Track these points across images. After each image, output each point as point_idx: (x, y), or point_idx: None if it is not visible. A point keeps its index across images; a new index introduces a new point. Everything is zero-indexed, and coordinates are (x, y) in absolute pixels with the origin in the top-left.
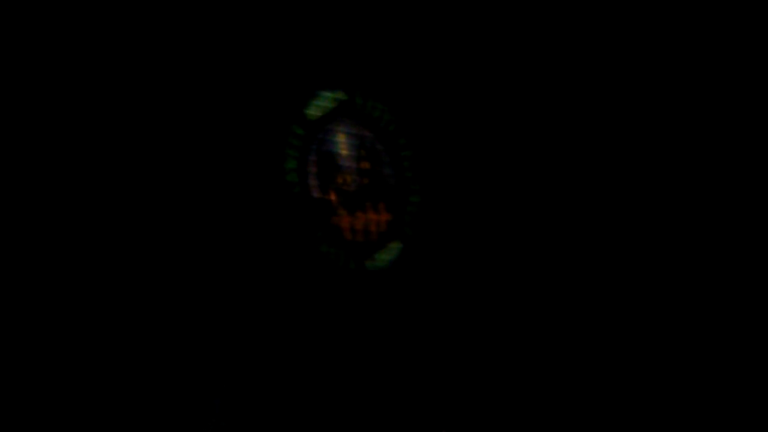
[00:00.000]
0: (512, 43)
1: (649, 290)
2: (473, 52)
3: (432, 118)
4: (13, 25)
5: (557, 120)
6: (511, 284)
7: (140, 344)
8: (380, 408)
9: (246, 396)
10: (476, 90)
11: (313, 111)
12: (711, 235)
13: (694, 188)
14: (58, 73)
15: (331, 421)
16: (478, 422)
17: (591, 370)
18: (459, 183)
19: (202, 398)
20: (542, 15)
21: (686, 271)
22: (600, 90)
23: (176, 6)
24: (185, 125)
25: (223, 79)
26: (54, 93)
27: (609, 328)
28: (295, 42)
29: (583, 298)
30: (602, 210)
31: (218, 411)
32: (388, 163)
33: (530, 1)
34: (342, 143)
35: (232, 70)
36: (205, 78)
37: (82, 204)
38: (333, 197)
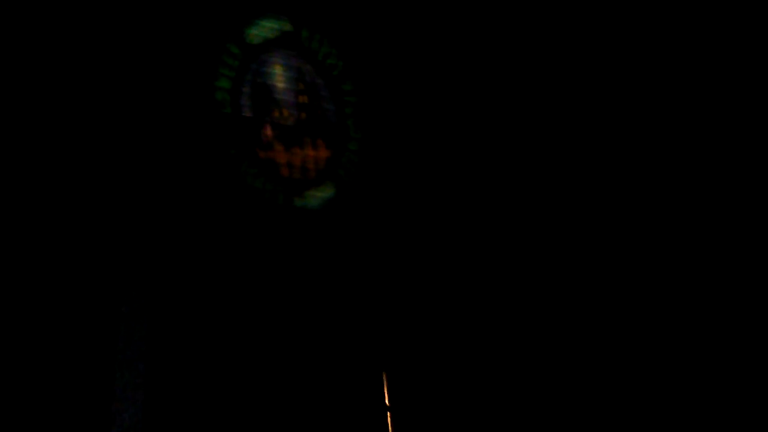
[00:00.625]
0: None
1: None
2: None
3: (380, 64)
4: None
5: (509, 73)
6: (441, 243)
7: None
8: (301, 357)
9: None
10: (426, 41)
11: (253, 37)
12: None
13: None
14: None
15: (250, 371)
16: (418, 373)
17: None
18: (401, 133)
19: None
20: None
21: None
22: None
23: None
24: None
25: None
26: None
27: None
28: None
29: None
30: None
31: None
32: (328, 98)
33: None
34: (278, 75)
35: None
36: None
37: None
38: (269, 131)
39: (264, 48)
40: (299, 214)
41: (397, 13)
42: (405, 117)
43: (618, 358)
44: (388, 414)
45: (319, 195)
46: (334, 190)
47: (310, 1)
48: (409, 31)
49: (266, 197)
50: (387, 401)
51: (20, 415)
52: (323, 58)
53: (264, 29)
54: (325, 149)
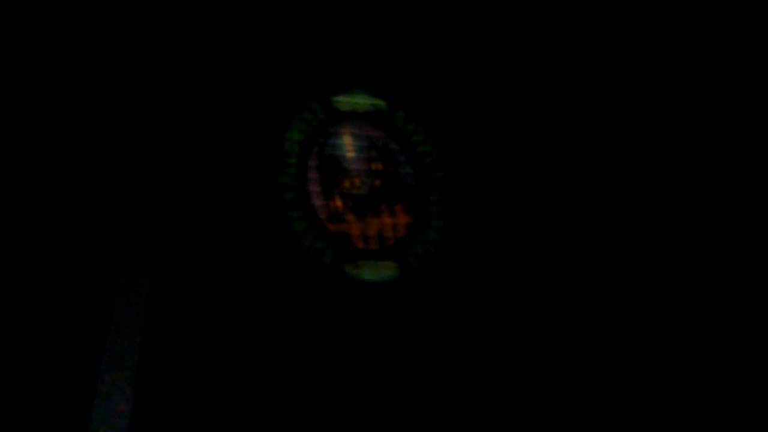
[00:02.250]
0: (535, 37)
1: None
2: (482, 41)
3: (457, 122)
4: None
5: (581, 113)
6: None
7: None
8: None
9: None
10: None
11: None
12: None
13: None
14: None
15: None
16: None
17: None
18: (485, 194)
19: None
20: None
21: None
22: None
23: (181, 5)
24: (181, 127)
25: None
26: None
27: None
28: (303, 44)
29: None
30: (631, 213)
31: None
32: (405, 162)
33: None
34: (348, 145)
35: (233, 74)
36: (202, 78)
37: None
38: (338, 203)
39: (328, 123)
40: (376, 287)
41: (473, 73)
42: (488, 177)
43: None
44: None
45: (399, 266)
46: (418, 259)
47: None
48: (486, 86)
49: (338, 272)
50: None
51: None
52: (395, 121)
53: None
54: (405, 215)
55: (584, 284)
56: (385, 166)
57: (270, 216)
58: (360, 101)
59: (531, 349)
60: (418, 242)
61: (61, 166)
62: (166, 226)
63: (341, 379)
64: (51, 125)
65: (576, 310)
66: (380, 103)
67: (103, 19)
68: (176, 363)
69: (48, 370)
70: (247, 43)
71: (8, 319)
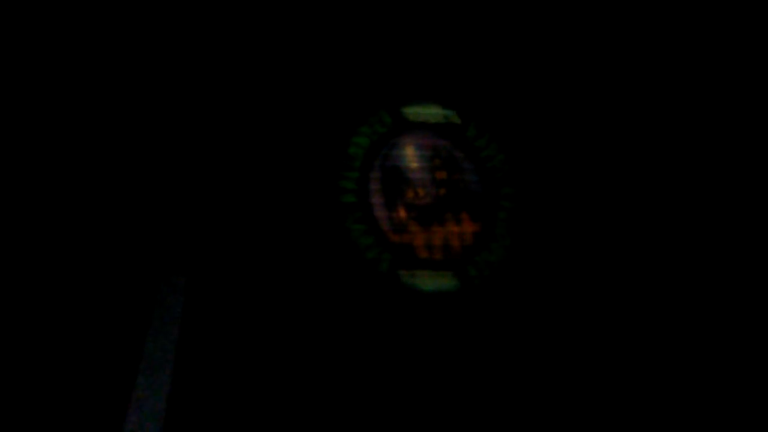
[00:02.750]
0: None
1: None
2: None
3: (525, 126)
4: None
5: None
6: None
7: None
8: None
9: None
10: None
11: (362, 140)
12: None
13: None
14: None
15: None
16: None
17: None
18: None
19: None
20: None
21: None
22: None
23: (247, 12)
24: (240, 137)
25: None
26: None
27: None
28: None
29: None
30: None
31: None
32: (471, 170)
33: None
34: (410, 156)
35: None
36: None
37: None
38: (402, 213)
39: (390, 134)
40: (434, 298)
41: (540, 73)
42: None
43: None
44: None
45: (466, 275)
46: (480, 270)
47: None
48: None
49: (402, 283)
50: None
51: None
52: (458, 129)
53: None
54: (471, 223)
55: (658, 314)
56: (450, 175)
57: (324, 222)
58: (431, 112)
59: (589, 373)
60: (486, 250)
61: (97, 169)
62: (208, 230)
63: (383, 388)
64: (94, 129)
65: (648, 342)
66: (452, 115)
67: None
68: (213, 371)
69: (84, 374)
70: (324, 46)
71: (46, 322)
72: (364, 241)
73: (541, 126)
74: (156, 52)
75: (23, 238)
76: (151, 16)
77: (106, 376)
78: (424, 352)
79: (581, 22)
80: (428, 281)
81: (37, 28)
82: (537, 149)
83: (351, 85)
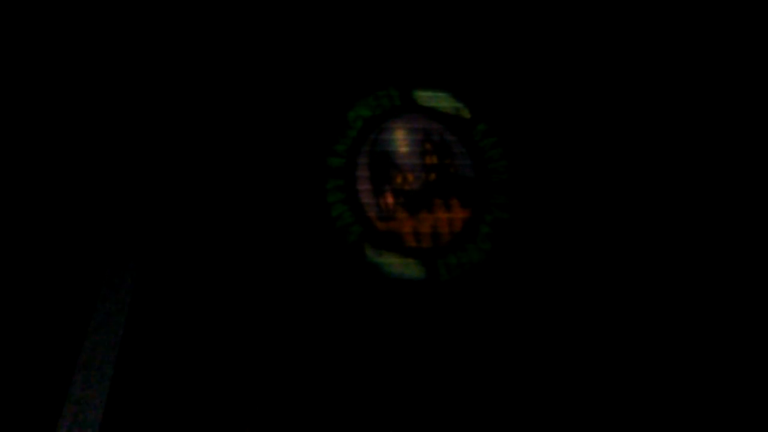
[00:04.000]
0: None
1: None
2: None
3: (523, 110)
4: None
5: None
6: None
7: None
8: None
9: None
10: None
11: (364, 111)
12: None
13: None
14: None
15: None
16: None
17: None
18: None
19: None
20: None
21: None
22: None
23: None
24: (224, 125)
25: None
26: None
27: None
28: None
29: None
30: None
31: None
32: (464, 154)
33: None
34: (401, 140)
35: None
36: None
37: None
38: (389, 199)
39: (380, 118)
40: (429, 286)
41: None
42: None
43: None
44: None
45: (456, 262)
46: (477, 253)
47: (416, 62)
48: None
49: (388, 271)
50: None
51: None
52: (450, 111)
53: (373, 102)
54: (461, 209)
55: (648, 315)
56: (441, 159)
57: (299, 205)
58: (442, 101)
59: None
60: (462, 250)
61: (47, 154)
62: (160, 217)
63: (335, 371)
64: (37, 114)
65: (634, 341)
66: (462, 108)
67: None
68: (161, 361)
69: (24, 362)
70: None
71: None
72: (337, 209)
73: (543, 121)
74: (117, 21)
75: None
76: None
77: (42, 373)
78: (382, 337)
79: (590, 26)
80: (395, 265)
81: (17, 23)
82: (538, 145)
83: (361, 60)
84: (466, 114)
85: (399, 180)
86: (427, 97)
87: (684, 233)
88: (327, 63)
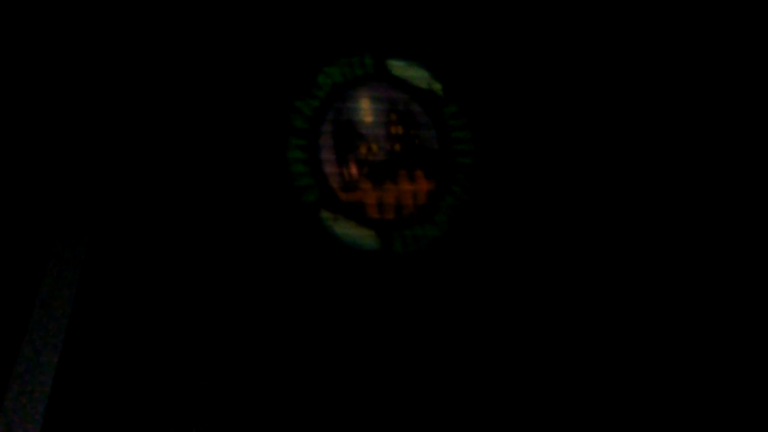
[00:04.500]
0: None
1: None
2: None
3: (488, 80)
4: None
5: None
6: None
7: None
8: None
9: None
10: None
11: (328, 78)
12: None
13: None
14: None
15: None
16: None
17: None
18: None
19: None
20: None
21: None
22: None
23: None
24: (179, 95)
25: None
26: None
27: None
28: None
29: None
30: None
31: None
32: (429, 124)
33: None
34: (365, 109)
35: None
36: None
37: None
38: (353, 169)
39: (344, 86)
40: (396, 259)
41: (502, 27)
42: (521, 135)
43: None
44: None
45: (421, 234)
46: (442, 226)
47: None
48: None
49: (351, 243)
50: None
51: None
52: (415, 81)
53: (337, 70)
54: (426, 180)
55: (609, 291)
56: (406, 130)
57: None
58: (416, 73)
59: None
60: (419, 225)
61: None
62: (115, 181)
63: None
64: None
65: (593, 313)
66: (435, 84)
67: None
68: (111, 345)
69: None
70: None
71: None
72: (297, 167)
73: (516, 111)
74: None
75: None
76: None
77: None
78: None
79: (583, 23)
80: (351, 235)
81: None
82: (506, 132)
83: (338, 24)
84: (438, 90)
85: (363, 150)
86: (400, 68)
87: (647, 220)
88: (302, 24)
